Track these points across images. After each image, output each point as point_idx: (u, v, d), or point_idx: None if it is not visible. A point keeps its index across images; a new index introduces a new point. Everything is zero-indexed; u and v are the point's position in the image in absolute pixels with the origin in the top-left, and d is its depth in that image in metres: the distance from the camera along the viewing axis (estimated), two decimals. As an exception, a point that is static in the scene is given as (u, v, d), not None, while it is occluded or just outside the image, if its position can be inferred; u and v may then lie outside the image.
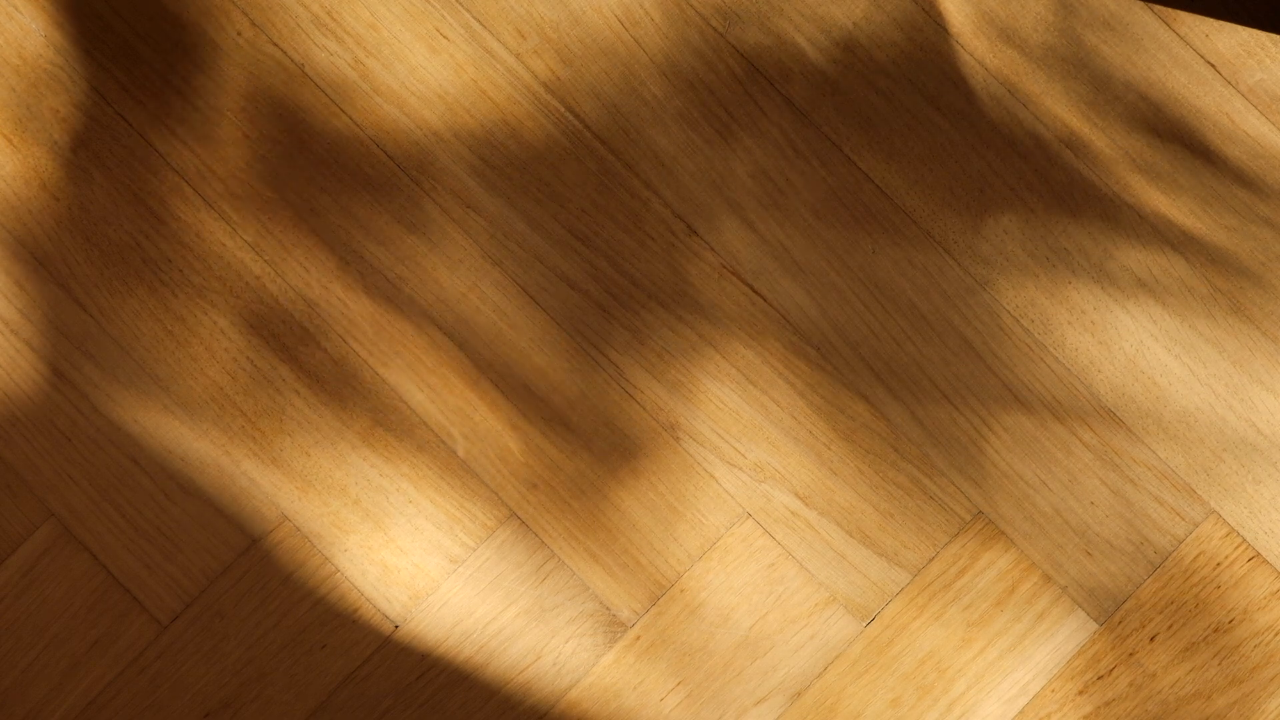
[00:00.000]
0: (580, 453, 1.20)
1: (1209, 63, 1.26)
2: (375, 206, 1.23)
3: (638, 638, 1.18)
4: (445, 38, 1.25)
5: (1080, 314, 1.22)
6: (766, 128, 1.24)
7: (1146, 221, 1.24)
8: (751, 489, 1.20)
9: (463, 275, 1.22)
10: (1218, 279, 1.23)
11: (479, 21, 1.26)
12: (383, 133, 1.24)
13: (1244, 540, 1.19)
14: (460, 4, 1.26)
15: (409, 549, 1.19)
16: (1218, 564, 1.19)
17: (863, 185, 1.24)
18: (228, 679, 1.17)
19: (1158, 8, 1.27)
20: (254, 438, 1.19)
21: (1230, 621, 1.19)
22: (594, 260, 1.22)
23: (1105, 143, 1.25)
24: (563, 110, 1.24)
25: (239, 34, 1.25)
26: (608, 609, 1.18)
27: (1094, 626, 1.18)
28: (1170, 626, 1.18)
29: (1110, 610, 1.19)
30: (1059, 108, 1.25)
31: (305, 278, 1.22)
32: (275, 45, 1.25)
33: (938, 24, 1.26)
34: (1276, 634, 1.18)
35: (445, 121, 1.24)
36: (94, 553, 1.18)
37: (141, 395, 1.20)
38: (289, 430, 1.20)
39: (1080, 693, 1.18)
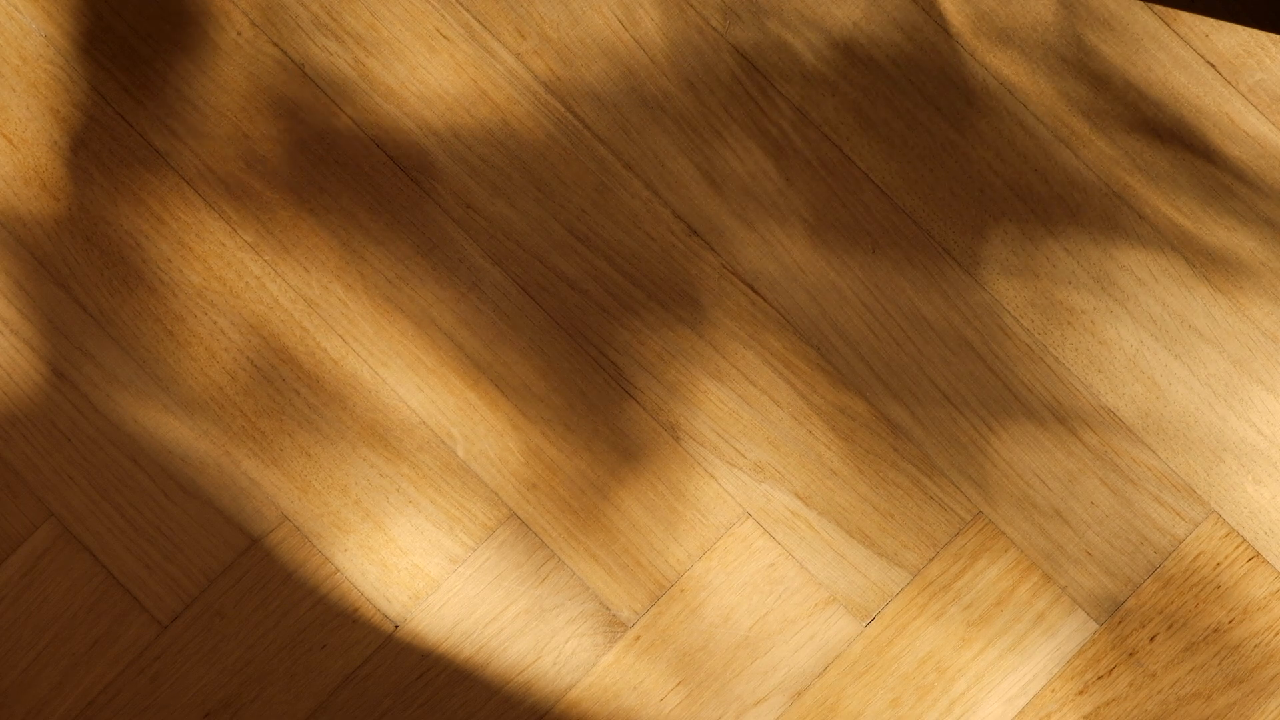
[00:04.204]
0: (580, 453, 1.20)
1: (1209, 63, 1.26)
2: (375, 206, 1.23)
3: (638, 638, 1.18)
4: (445, 38, 1.25)
5: (1080, 314, 1.22)
6: (766, 128, 1.24)
7: (1146, 221, 1.24)
8: (751, 489, 1.20)
9: (463, 275, 1.22)
10: (1218, 279, 1.23)
11: (479, 21, 1.26)
12: (383, 133, 1.24)
13: (1244, 540, 1.19)
14: (460, 4, 1.26)
15: (409, 549, 1.19)
16: (1218, 564, 1.19)
17: (863, 185, 1.24)
18: (228, 679, 1.17)
19: (1158, 8, 1.27)
20: (254, 438, 1.19)
21: (1230, 621, 1.19)
22: (594, 260, 1.22)
23: (1105, 143, 1.25)
24: (563, 110, 1.24)
25: (239, 34, 1.25)
26: (608, 609, 1.18)
27: (1094, 626, 1.18)
28: (1170, 626, 1.18)
29: (1110, 610, 1.19)
30: (1059, 108, 1.25)
31: (305, 278, 1.22)
32: (275, 45, 1.25)
33: (938, 24, 1.26)
34: (1276, 634, 1.18)
35: (445, 121, 1.24)
36: (94, 553, 1.18)
37: (141, 395, 1.20)
38: (289, 430, 1.20)
39: (1080, 693, 1.18)
